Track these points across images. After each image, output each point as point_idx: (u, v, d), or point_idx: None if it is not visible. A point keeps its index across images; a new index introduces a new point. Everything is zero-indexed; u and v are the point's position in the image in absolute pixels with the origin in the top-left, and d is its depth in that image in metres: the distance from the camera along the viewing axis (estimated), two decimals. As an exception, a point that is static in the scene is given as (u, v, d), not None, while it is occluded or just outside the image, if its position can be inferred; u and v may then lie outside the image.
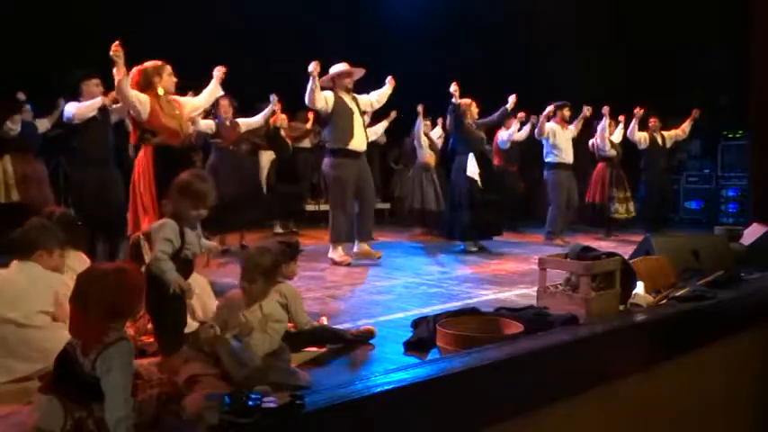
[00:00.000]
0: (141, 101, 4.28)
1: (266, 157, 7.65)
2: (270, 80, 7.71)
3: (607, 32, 9.17)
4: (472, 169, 6.67)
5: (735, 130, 10.19)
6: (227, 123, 6.47)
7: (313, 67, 5.54)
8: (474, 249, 6.73)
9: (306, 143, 8.78)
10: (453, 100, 6.62)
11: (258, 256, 2.61)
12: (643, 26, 9.37)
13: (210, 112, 6.32)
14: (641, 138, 8.26)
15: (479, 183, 6.63)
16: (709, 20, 9.11)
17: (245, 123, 6.65)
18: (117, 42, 4.02)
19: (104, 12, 7.26)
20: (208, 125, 6.31)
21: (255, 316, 2.52)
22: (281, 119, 7.78)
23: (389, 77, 6.29)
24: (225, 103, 6.40)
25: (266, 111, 6.81)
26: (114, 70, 4.09)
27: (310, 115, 8.17)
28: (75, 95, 5.25)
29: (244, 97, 6.96)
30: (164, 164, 4.29)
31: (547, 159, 7.77)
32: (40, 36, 6.75)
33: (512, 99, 7.06)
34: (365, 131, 6.08)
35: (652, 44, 9.38)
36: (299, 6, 8.68)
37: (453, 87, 6.56)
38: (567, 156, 7.70)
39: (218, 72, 4.83)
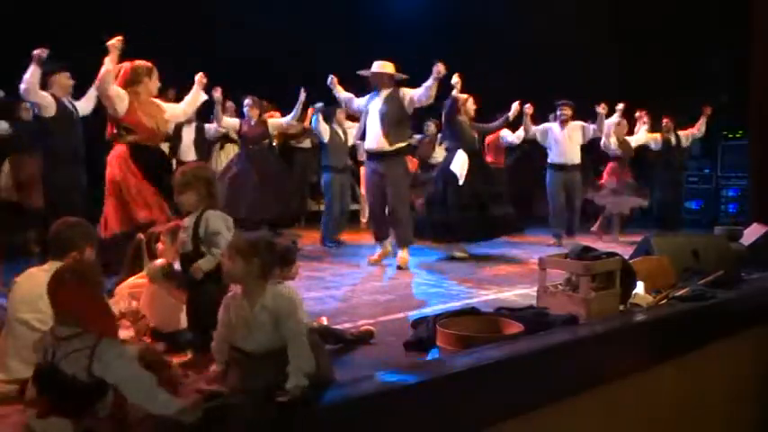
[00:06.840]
0: (120, 95, 4.28)
1: None
2: (271, 80, 7.73)
3: (606, 32, 9.16)
4: (460, 164, 6.17)
5: (735, 130, 10.17)
6: (252, 123, 6.83)
7: (329, 80, 5.73)
8: (464, 255, 6.29)
9: (306, 143, 8.75)
10: (454, 92, 6.21)
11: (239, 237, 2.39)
12: (643, 26, 9.36)
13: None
14: (652, 139, 8.26)
15: (460, 182, 6.12)
16: (709, 20, 9.10)
17: (272, 123, 7.00)
18: (121, 36, 4.17)
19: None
20: (232, 124, 6.86)
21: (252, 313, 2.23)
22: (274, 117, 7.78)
23: (438, 63, 5.36)
24: (249, 102, 6.84)
25: (296, 108, 6.97)
26: (108, 59, 4.16)
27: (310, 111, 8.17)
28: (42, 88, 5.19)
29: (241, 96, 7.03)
30: (143, 162, 4.30)
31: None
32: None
33: (514, 107, 6.90)
34: (383, 131, 5.60)
35: (651, 44, 9.37)
36: (301, 5, 8.69)
37: (455, 79, 6.03)
38: (561, 156, 7.43)
39: (200, 78, 4.84)
